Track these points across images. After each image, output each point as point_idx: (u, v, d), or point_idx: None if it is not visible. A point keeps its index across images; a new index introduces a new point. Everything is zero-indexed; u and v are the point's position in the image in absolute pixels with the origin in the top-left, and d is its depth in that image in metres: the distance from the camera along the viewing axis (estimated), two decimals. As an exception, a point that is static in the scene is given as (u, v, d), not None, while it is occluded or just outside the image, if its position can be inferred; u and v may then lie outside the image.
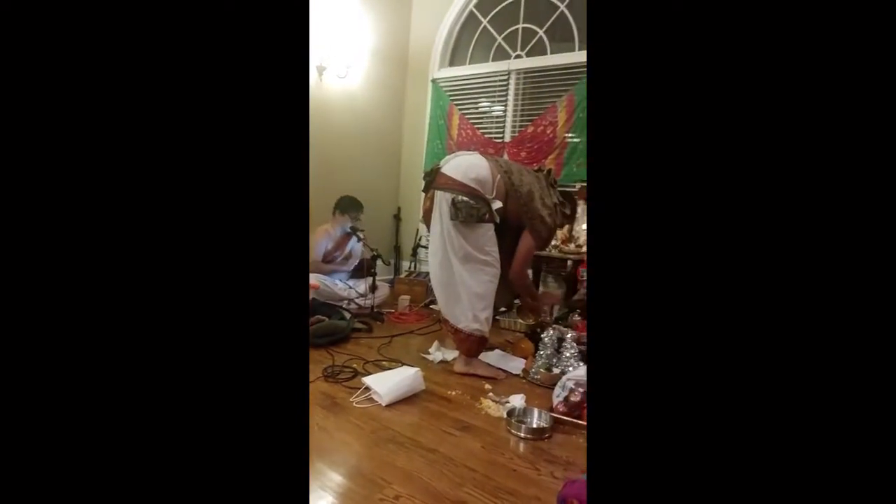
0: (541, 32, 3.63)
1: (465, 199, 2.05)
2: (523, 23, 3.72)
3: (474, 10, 3.98)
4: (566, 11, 3.50)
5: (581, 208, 3.25)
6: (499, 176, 2.11)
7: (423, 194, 2.27)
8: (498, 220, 2.11)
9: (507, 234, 2.21)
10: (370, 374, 1.98)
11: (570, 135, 3.41)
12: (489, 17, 3.89)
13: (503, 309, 3.17)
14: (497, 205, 2.09)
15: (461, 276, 2.10)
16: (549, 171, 2.34)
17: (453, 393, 1.96)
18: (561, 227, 2.45)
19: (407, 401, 1.83)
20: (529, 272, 2.49)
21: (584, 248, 3.08)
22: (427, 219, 2.22)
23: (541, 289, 3.40)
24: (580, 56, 3.41)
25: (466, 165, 2.11)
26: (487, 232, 2.10)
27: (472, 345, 2.16)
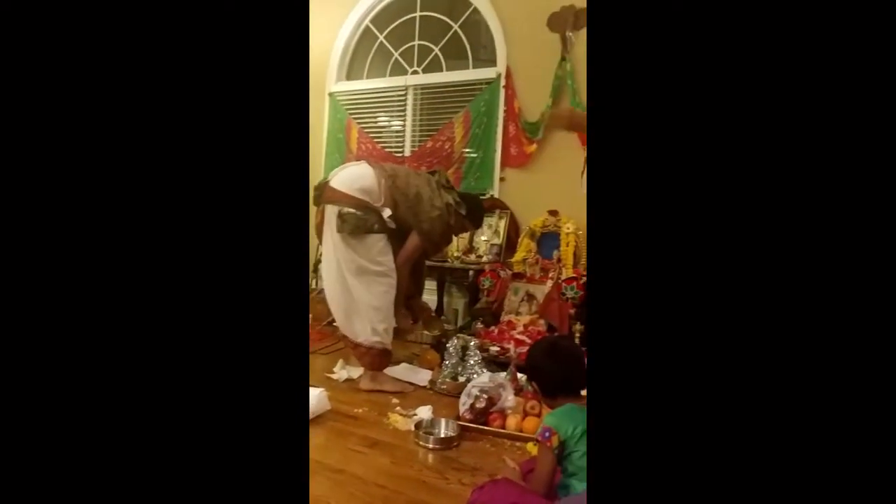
0: (436, 50, 3.73)
1: (351, 210, 2.02)
2: (419, 40, 3.80)
3: (370, 25, 3.99)
4: (459, 31, 3.63)
5: (480, 220, 3.36)
6: (383, 181, 2.09)
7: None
8: (393, 226, 2.10)
9: (405, 239, 2.21)
10: (271, 397, 1.89)
11: (467, 150, 3.53)
12: (385, 32, 3.93)
13: (411, 322, 3.19)
14: (387, 212, 2.08)
15: (356, 290, 2.07)
16: (440, 171, 2.33)
17: (360, 410, 1.93)
18: (458, 229, 2.38)
19: (312, 422, 1.77)
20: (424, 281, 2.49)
21: (485, 258, 3.19)
22: (319, 233, 2.18)
23: (445, 299, 3.46)
24: (474, 74, 3.56)
25: (352, 176, 2.10)
26: (378, 242, 2.08)
27: (375, 358, 2.14)
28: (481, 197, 3.42)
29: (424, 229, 2.14)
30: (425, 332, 3.00)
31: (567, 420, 1.17)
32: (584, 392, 1.31)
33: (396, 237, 2.15)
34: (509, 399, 1.83)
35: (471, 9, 3.55)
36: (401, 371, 2.36)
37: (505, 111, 3.36)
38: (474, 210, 2.35)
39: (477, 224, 2.46)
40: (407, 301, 2.51)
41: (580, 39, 3.09)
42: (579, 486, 1.14)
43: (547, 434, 1.16)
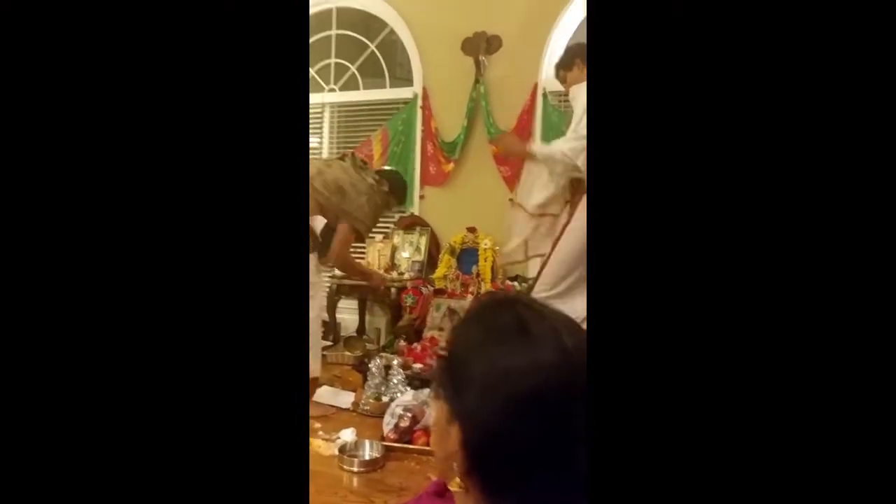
0: (353, 69, 3.73)
1: None
2: (335, 58, 3.78)
3: (284, 41, 3.93)
4: (376, 51, 3.67)
5: (400, 237, 3.39)
6: None
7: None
8: (319, 247, 2.06)
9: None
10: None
11: (386, 168, 3.55)
12: (300, 49, 3.88)
13: (329, 343, 3.12)
14: (320, 222, 2.03)
15: None
16: (353, 154, 2.31)
17: (280, 438, 1.86)
18: (384, 207, 2.31)
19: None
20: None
21: (406, 276, 3.20)
22: None
23: (367, 317, 3.42)
24: (391, 93, 3.60)
25: None
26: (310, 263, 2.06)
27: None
28: (401, 215, 3.46)
29: (356, 217, 2.10)
30: (346, 352, 2.95)
31: None
32: None
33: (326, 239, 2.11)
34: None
35: (387, 29, 3.60)
36: (322, 394, 2.30)
37: (422, 130, 3.42)
38: (396, 185, 2.33)
39: (400, 199, 2.44)
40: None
41: (493, 64, 3.23)
42: None
43: None
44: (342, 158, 2.25)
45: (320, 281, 2.15)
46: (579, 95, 2.10)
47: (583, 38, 2.62)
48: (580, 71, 2.17)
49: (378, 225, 3.49)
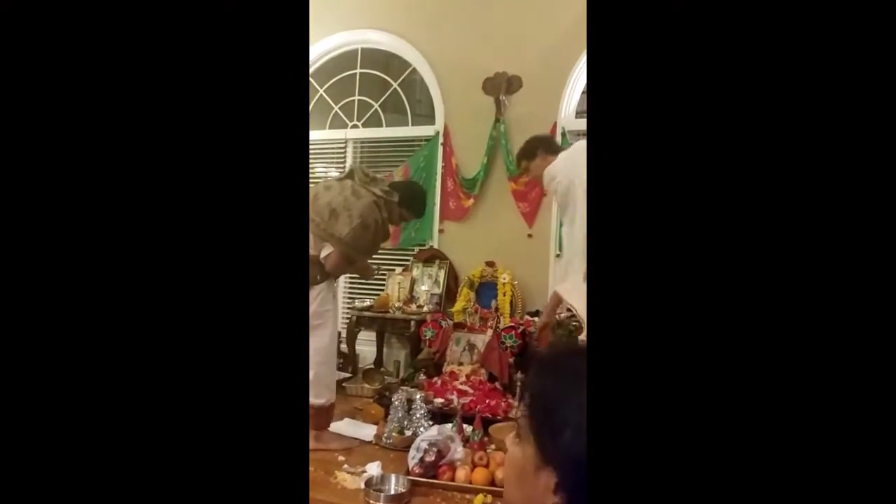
0: (376, 106, 3.86)
1: None
2: (359, 95, 3.92)
3: (311, 80, 4.07)
4: (399, 89, 3.80)
5: (418, 269, 3.43)
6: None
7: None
8: (328, 272, 2.05)
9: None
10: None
11: (402, 180, 3.61)
12: (325, 86, 4.02)
13: (348, 375, 3.13)
14: (326, 250, 2.01)
15: None
16: (355, 169, 2.20)
17: (305, 470, 1.86)
18: (396, 219, 2.20)
19: (254, 487, 1.69)
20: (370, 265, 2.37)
21: (426, 308, 3.23)
22: None
23: (385, 349, 3.44)
24: (413, 130, 3.70)
25: None
26: (318, 295, 2.03)
27: (321, 418, 2.08)
28: (420, 248, 3.51)
29: (344, 241, 2.01)
30: (366, 384, 2.96)
31: None
32: None
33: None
34: (458, 451, 1.85)
35: (409, 69, 3.73)
36: (344, 426, 2.31)
37: (443, 167, 3.51)
38: (410, 196, 2.21)
39: (415, 210, 2.28)
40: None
41: (513, 103, 3.34)
42: None
43: None
44: (349, 175, 2.16)
45: (335, 308, 2.16)
46: (559, 174, 2.11)
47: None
48: (542, 160, 2.27)
49: (397, 257, 3.58)
